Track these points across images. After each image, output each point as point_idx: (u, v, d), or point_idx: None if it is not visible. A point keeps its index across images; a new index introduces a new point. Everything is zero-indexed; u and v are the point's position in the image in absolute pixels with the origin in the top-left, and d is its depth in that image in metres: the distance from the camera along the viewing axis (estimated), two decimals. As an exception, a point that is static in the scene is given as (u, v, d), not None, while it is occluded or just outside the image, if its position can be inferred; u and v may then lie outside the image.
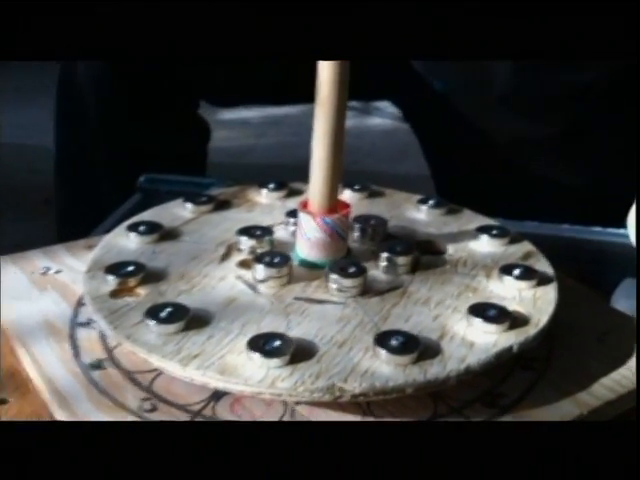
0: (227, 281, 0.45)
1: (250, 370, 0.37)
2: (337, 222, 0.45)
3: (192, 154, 0.99)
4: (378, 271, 0.46)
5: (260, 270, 0.44)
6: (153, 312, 0.40)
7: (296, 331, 0.40)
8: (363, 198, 0.57)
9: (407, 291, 0.44)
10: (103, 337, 0.44)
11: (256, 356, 0.37)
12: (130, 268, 0.45)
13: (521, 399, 0.40)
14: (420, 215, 0.55)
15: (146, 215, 0.53)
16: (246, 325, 0.40)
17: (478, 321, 0.40)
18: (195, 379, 0.37)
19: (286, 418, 0.38)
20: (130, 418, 0.38)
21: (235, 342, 0.39)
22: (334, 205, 0.46)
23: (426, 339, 0.39)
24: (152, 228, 0.50)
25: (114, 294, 0.43)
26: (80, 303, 0.47)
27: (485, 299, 0.43)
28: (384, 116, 1.83)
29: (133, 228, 0.50)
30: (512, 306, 0.42)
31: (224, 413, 0.39)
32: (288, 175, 0.59)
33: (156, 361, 0.38)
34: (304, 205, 0.46)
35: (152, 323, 0.39)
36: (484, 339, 0.40)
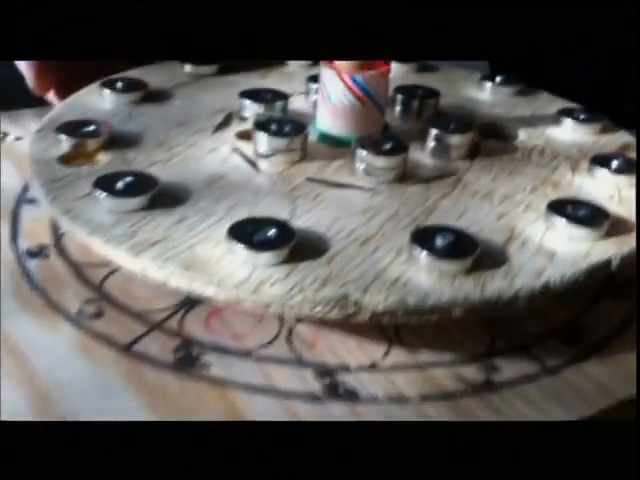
0: (219, 153, 0.33)
1: (229, 266, 0.25)
2: (371, 82, 0.33)
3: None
4: (424, 154, 0.34)
5: (263, 140, 0.33)
6: (107, 181, 0.29)
7: (303, 220, 0.28)
8: (410, 72, 0.45)
9: (462, 180, 0.32)
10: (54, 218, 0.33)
11: (239, 247, 0.25)
12: (91, 128, 0.34)
13: (610, 337, 0.29)
14: (483, 94, 0.42)
15: (130, 73, 0.41)
16: (234, 208, 0.29)
17: (562, 222, 0.28)
18: (149, 274, 0.26)
19: (280, 340, 0.27)
20: (62, 325, 0.27)
21: (215, 228, 0.27)
22: (368, 60, 0.33)
23: (486, 242, 0.28)
24: (133, 86, 0.38)
25: (66, 159, 0.32)
26: (33, 175, 0.36)
27: (572, 196, 0.31)
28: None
29: (109, 84, 0.38)
30: (609, 206, 0.30)
31: (195, 327, 0.28)
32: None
33: (99, 246, 0.27)
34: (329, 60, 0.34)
35: (102, 195, 0.28)
36: (571, 247, 0.28)
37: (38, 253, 0.31)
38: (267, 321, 0.28)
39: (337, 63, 0.34)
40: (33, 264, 0.31)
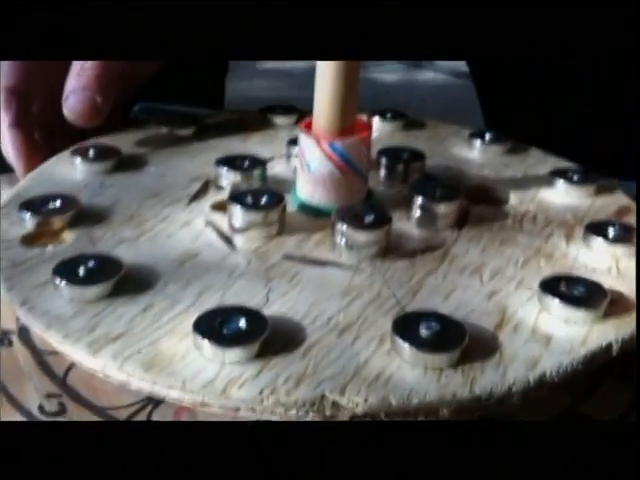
0: (192, 228, 0.32)
1: (194, 364, 0.23)
2: (350, 149, 0.31)
3: (206, 86, 0.85)
4: (409, 224, 0.32)
5: (238, 214, 0.31)
6: (68, 266, 0.27)
7: (277, 306, 0.26)
8: (397, 130, 0.43)
9: (449, 253, 0.30)
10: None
11: (205, 343, 0.23)
12: (57, 203, 0.32)
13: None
14: (472, 153, 0.41)
15: (104, 139, 0.40)
16: (204, 293, 0.27)
17: (557, 303, 0.26)
18: (110, 375, 0.24)
19: None
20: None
21: (181, 319, 0.25)
22: (348, 126, 0.32)
23: (475, 327, 0.25)
24: (105, 153, 0.37)
25: (29, 239, 0.30)
26: None
27: (566, 270, 0.29)
28: (437, 70, 1.66)
29: (80, 152, 0.37)
30: (607, 282, 0.28)
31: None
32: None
33: (56, 342, 0.25)
34: (307, 126, 0.33)
35: (62, 283, 0.26)
36: (567, 331, 0.26)
37: (1, 340, 0.30)
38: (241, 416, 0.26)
39: (315, 129, 0.32)
40: (-7, 353, 0.29)
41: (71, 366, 0.28)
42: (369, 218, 0.30)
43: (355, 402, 0.22)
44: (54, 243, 0.30)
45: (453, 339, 0.24)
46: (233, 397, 0.22)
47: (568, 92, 0.62)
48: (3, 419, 0.26)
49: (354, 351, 0.24)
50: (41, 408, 0.26)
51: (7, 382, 0.27)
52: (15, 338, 0.30)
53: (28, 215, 0.31)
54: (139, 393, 0.26)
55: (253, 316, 0.25)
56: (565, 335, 0.25)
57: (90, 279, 0.26)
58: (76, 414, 0.26)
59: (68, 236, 0.31)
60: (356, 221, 0.30)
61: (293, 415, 0.22)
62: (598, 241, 0.31)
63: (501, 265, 0.30)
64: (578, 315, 0.26)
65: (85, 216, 0.32)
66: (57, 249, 0.30)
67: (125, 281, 0.27)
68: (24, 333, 0.30)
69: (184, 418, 0.26)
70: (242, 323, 0.24)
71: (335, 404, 0.22)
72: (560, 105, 0.62)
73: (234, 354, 0.23)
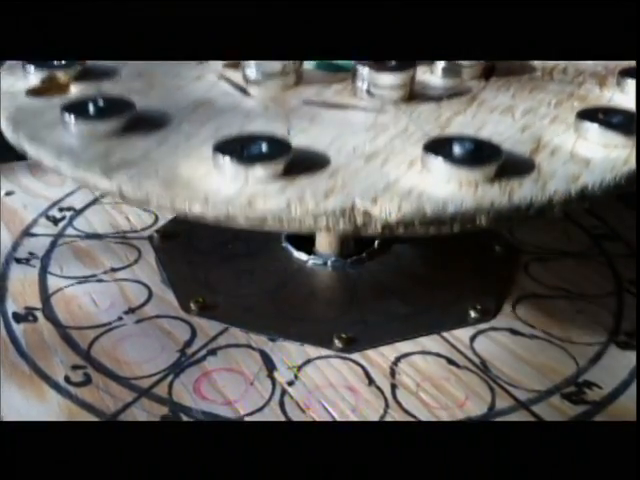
0: (205, 81, 0.30)
1: (215, 183, 0.22)
2: None
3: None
4: (433, 76, 0.31)
5: (252, 65, 0.29)
6: (78, 106, 0.26)
7: (299, 139, 0.25)
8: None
9: (477, 98, 0.29)
10: (42, 278, 0.31)
11: (227, 161, 0.22)
12: (62, 61, 0.30)
13: (619, 392, 0.26)
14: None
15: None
16: (222, 129, 0.25)
17: (595, 128, 0.25)
18: (127, 195, 0.22)
19: (273, 403, 0.25)
20: (48, 394, 0.25)
21: (200, 148, 0.24)
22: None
23: (510, 152, 0.24)
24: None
25: (35, 92, 0.29)
26: (25, 233, 0.34)
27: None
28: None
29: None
30: (645, 116, 0.26)
31: (183, 392, 0.25)
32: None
33: (68, 169, 0.23)
34: None
35: (72, 119, 0.25)
36: (607, 154, 0.24)
37: (25, 317, 0.29)
38: (258, 385, 0.26)
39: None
40: (20, 329, 0.29)
41: (95, 338, 0.28)
42: (391, 64, 0.29)
43: (388, 210, 0.21)
44: (60, 95, 0.29)
45: (488, 156, 0.23)
46: (259, 209, 0.21)
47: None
48: (31, 391, 0.26)
49: (383, 172, 0.23)
50: (67, 379, 0.26)
51: (34, 356, 0.27)
52: (40, 314, 0.30)
53: (32, 68, 0.29)
54: (162, 361, 0.27)
55: (276, 141, 0.23)
56: (605, 158, 0.24)
57: (101, 115, 0.25)
58: (101, 384, 0.26)
59: (75, 89, 0.29)
60: (379, 64, 0.28)
61: (323, 225, 0.21)
62: (633, 83, 0.29)
63: (533, 106, 0.28)
64: (618, 139, 0.25)
65: (92, 72, 0.30)
66: (64, 98, 0.28)
67: (137, 120, 0.26)
68: (48, 309, 0.30)
69: (204, 387, 0.26)
70: (264, 146, 0.23)
71: (367, 214, 0.21)
72: None
73: (257, 172, 0.22)
